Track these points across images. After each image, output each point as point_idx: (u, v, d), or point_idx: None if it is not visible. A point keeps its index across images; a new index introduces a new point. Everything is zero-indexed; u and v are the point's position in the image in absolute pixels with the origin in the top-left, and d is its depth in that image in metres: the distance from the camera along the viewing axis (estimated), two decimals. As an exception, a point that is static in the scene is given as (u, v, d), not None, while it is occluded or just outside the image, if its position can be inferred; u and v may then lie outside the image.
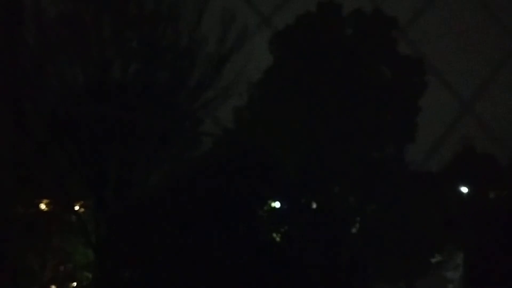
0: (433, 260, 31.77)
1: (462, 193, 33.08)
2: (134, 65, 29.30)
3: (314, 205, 30.39)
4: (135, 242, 27.85)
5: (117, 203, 28.64)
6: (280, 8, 36.40)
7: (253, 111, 30.88)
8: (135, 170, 29.06)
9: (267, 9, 36.80)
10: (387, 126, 30.92)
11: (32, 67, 29.15)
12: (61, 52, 29.04)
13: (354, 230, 30.73)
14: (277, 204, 30.14)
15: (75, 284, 29.80)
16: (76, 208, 29.38)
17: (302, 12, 31.60)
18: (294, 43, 31.22)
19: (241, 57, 29.56)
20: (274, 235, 29.85)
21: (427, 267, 31.51)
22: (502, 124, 35.49)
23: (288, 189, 29.89)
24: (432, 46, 36.29)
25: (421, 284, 32.23)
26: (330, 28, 31.38)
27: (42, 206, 29.55)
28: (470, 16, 37.83)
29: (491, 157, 33.56)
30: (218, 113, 30.19)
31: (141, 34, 29.40)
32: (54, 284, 29.72)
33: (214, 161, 29.14)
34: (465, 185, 33.01)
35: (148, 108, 28.77)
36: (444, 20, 37.25)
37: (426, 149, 34.23)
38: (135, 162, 29.03)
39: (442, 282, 33.62)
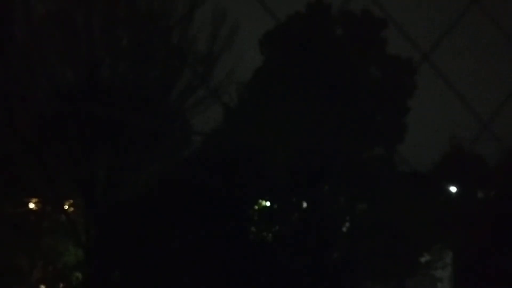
0: (423, 260, 31.95)
1: (451, 192, 33.32)
2: (124, 64, 29.27)
3: (305, 205, 30.47)
4: (125, 242, 27.79)
5: (107, 202, 28.55)
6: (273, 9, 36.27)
7: (243, 111, 30.86)
8: (125, 169, 28.97)
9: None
10: (377, 126, 31.06)
11: (21, 66, 28.97)
12: (51, 51, 28.90)
13: (344, 230, 30.85)
14: (267, 203, 30.21)
15: (64, 284, 29.65)
16: (66, 207, 29.27)
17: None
18: (284, 43, 31.24)
19: (231, 57, 29.60)
20: (265, 234, 29.91)
21: (417, 266, 31.67)
22: (490, 124, 35.61)
23: (278, 188, 29.93)
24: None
25: (411, 283, 32.42)
26: (320, 28, 31.44)
27: (31, 206, 29.39)
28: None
29: (479, 157, 33.76)
30: (208, 112, 30.18)
31: (131, 33, 29.34)
32: (43, 284, 29.56)
33: (204, 160, 29.13)
34: (453, 185, 33.25)
35: (138, 108, 28.69)
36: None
37: (416, 149, 34.32)
38: (125, 161, 28.94)
39: (432, 281, 33.86)
